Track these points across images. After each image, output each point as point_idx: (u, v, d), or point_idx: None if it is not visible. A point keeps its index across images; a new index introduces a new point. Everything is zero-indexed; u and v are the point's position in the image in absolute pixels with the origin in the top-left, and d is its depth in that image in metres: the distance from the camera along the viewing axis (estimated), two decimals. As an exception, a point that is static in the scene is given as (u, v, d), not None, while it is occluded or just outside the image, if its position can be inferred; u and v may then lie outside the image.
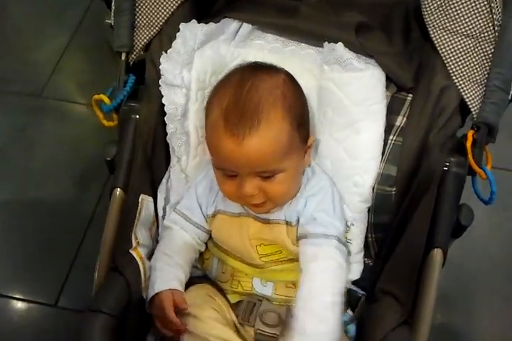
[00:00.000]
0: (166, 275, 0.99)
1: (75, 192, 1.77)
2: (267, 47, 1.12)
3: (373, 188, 1.05)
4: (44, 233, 1.66)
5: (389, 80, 1.06)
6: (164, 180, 1.10)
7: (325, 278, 0.94)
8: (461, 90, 1.00)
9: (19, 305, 1.54)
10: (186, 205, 1.07)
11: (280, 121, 0.93)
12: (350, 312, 1.05)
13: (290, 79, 1.00)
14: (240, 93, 0.93)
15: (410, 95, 1.06)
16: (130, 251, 0.99)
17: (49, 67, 2.04)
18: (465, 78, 1.00)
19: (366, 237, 1.06)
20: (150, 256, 1.05)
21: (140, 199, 1.03)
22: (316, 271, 0.94)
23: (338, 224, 0.98)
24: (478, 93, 1.00)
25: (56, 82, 2.02)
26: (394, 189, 1.04)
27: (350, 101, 1.04)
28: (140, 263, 0.99)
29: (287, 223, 1.00)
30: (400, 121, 1.06)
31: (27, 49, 2.11)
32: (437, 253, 0.94)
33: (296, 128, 0.96)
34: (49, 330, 1.47)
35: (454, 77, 1.01)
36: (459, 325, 1.49)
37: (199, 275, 1.09)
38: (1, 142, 1.86)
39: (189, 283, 1.03)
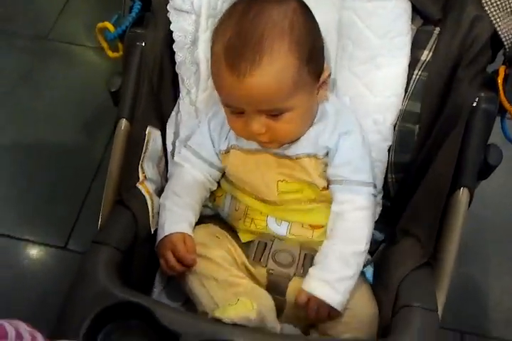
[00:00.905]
0: (176, 216, 0.96)
1: (83, 136, 1.72)
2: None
3: (395, 126, 1.01)
4: (52, 176, 1.62)
5: (415, 12, 1.00)
6: (174, 113, 1.04)
7: (361, 227, 0.93)
8: (494, 21, 0.93)
9: (29, 247, 1.51)
10: (198, 141, 1.02)
11: (286, 55, 0.85)
12: (368, 255, 1.01)
13: (302, 7, 0.91)
14: (242, 22, 0.86)
15: (438, 28, 1.00)
16: (137, 184, 0.95)
17: (56, 8, 1.96)
18: (499, 8, 0.93)
19: (385, 177, 1.02)
20: (159, 192, 1.01)
21: (147, 132, 0.98)
22: (353, 219, 0.93)
23: (371, 169, 0.96)
24: (512, 25, 0.93)
25: (63, 23, 1.94)
26: (417, 126, 0.99)
27: (373, 33, 0.98)
28: (148, 198, 0.95)
29: (313, 156, 0.95)
30: (425, 55, 1.00)
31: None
32: (463, 193, 0.89)
33: (306, 62, 0.88)
34: (59, 272, 1.44)
35: (486, 7, 0.94)
36: (474, 274, 1.46)
37: (209, 214, 1.05)
38: (7, 85, 1.80)
39: (198, 222, 1.00)
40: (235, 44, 0.85)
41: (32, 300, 1.39)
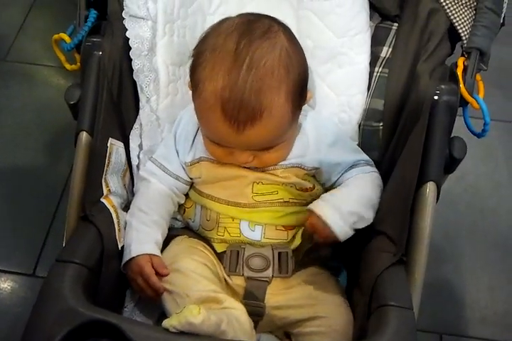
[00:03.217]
0: (143, 236, 0.93)
1: (46, 158, 1.69)
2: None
3: (360, 125, 1.00)
4: (16, 201, 1.58)
5: (372, 9, 1.00)
6: (137, 126, 1.02)
7: (369, 194, 0.94)
8: (450, 13, 0.94)
9: (-4, 276, 1.47)
10: (163, 154, 1.00)
11: (283, 105, 0.85)
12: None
13: (290, 41, 0.89)
14: (237, 74, 0.82)
15: (395, 24, 1.01)
16: (101, 199, 0.92)
17: (12, 28, 1.94)
18: (453, 0, 0.94)
19: (354, 175, 1.01)
20: (125, 206, 0.98)
21: (109, 144, 0.95)
22: (363, 181, 0.95)
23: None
24: (467, 16, 0.94)
25: (21, 44, 1.91)
26: (381, 124, 0.99)
27: (332, 31, 0.98)
28: (113, 212, 0.92)
29: (295, 167, 0.95)
30: (385, 52, 1.01)
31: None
32: (430, 187, 0.88)
33: (298, 102, 0.88)
34: (28, 300, 1.40)
35: (441, 0, 0.94)
36: (448, 274, 1.46)
37: (179, 227, 1.03)
38: (-35, 108, 1.77)
39: (168, 236, 0.97)
40: (231, 97, 0.82)
41: (2, 328, 1.35)
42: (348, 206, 0.90)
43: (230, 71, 0.83)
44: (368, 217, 0.92)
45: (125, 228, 0.94)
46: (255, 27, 0.87)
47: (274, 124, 0.85)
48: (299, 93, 0.88)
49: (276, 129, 0.86)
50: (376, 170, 0.99)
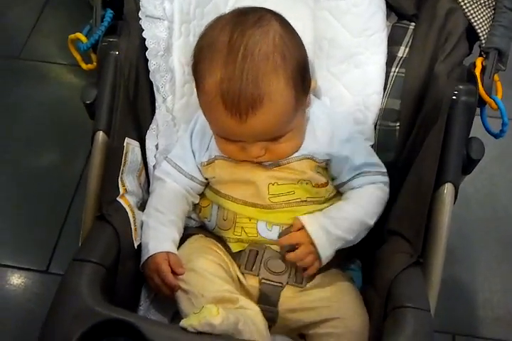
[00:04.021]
0: (160, 235, 0.94)
1: (60, 156, 1.70)
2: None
3: (376, 125, 0.99)
4: (31, 199, 1.59)
5: (389, 9, 1.00)
6: (154, 126, 1.02)
7: (374, 203, 0.95)
8: (468, 13, 0.93)
9: (10, 272, 1.48)
10: (179, 154, 1.00)
11: (283, 89, 0.84)
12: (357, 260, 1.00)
13: (284, 28, 0.88)
14: (233, 64, 0.83)
15: (413, 24, 1.00)
16: (117, 198, 0.92)
17: (26, 26, 1.94)
18: (472, 0, 0.93)
19: (370, 177, 1.00)
20: (140, 205, 0.98)
21: (125, 144, 0.95)
22: (369, 192, 0.95)
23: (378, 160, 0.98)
24: (486, 16, 0.93)
25: (34, 42, 1.91)
26: (398, 124, 0.98)
27: (348, 31, 0.98)
28: (129, 211, 0.92)
29: (309, 158, 0.94)
30: (402, 51, 1.00)
31: (3, 9, 2.01)
32: (448, 188, 0.87)
33: (300, 88, 0.87)
34: (42, 296, 1.42)
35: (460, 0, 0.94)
36: (461, 275, 1.45)
37: (194, 226, 1.02)
38: (-21, 107, 1.78)
39: (183, 235, 0.98)
40: (230, 87, 0.82)
41: (15, 324, 1.37)
42: (339, 231, 0.91)
43: (226, 63, 0.83)
44: (355, 240, 0.93)
45: (141, 227, 0.95)
46: (247, 17, 0.87)
47: (277, 110, 0.84)
48: (300, 79, 0.87)
49: (279, 116, 0.85)
50: (386, 178, 0.98)
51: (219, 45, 0.85)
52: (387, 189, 0.97)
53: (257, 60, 0.83)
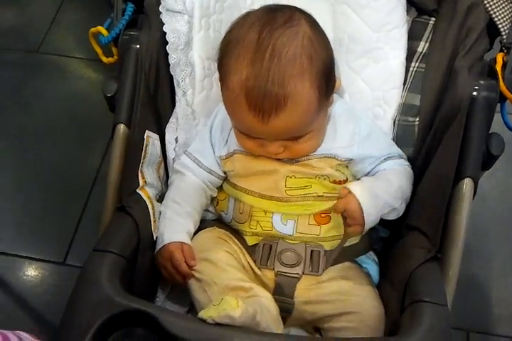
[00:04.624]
0: (175, 226, 0.94)
1: (78, 150, 1.70)
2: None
3: (395, 120, 0.99)
4: (48, 192, 1.61)
5: (409, 4, 0.99)
6: (173, 120, 1.03)
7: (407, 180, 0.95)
8: (490, 8, 0.93)
9: (27, 263, 1.50)
10: (198, 148, 1.01)
11: (309, 93, 0.84)
12: (371, 253, 1.00)
13: (313, 29, 0.88)
14: (260, 63, 0.82)
15: (433, 19, 1.00)
16: (137, 190, 0.93)
17: (46, 21, 1.95)
18: (493, -5, 0.93)
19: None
20: (159, 198, 0.99)
21: (145, 136, 0.96)
22: (393, 173, 0.95)
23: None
24: (508, 11, 0.92)
25: (53, 36, 1.93)
26: (417, 119, 0.98)
27: (368, 26, 0.98)
28: (148, 203, 0.93)
29: (329, 157, 0.94)
30: (422, 46, 1.00)
31: (23, 2, 2.02)
32: (468, 184, 0.87)
33: (325, 90, 0.87)
34: (58, 288, 1.44)
35: (481, -6, 0.93)
36: (477, 272, 1.45)
37: (211, 219, 1.03)
38: (-1, 99, 1.80)
39: (200, 228, 0.98)
40: (255, 86, 0.82)
41: (32, 316, 1.38)
42: (384, 195, 0.91)
43: (253, 61, 0.83)
44: (400, 208, 0.93)
45: (160, 219, 0.95)
46: (277, 16, 0.87)
47: (300, 112, 0.84)
48: (325, 81, 0.87)
49: (302, 117, 0.85)
50: (409, 164, 0.99)
51: (247, 43, 0.85)
52: (412, 171, 0.97)
53: (284, 62, 0.83)
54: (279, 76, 0.82)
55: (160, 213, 0.96)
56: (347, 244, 0.95)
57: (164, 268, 0.92)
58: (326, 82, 0.88)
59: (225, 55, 0.88)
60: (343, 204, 0.89)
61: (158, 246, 0.93)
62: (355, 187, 0.90)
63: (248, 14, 0.91)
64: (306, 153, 0.93)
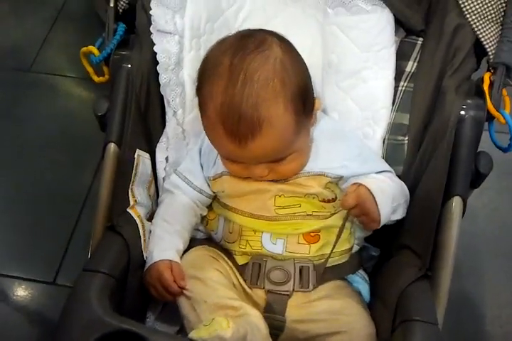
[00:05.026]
0: (165, 244, 0.94)
1: (69, 168, 1.70)
2: (266, -7, 1.05)
3: (384, 139, 1.00)
4: (39, 211, 1.60)
5: (397, 24, 1.01)
6: (164, 139, 1.03)
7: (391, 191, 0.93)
8: (476, 29, 0.94)
9: (17, 283, 1.48)
10: (188, 168, 1.02)
11: (283, 115, 0.85)
12: (362, 272, 1.00)
13: (285, 52, 0.88)
14: (233, 90, 0.83)
15: (421, 39, 1.01)
16: (128, 209, 0.93)
17: (37, 39, 1.97)
18: (479, 16, 0.94)
19: (378, 191, 1.00)
20: (150, 217, 0.99)
21: (136, 155, 0.97)
22: (385, 180, 0.94)
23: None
24: (494, 32, 0.94)
25: (45, 55, 1.94)
26: (406, 138, 0.99)
27: (357, 46, 0.99)
28: (138, 222, 0.93)
29: (318, 175, 0.94)
30: (410, 66, 1.01)
31: (15, 22, 2.04)
32: (457, 202, 0.88)
33: (302, 111, 0.87)
34: (48, 308, 1.43)
35: (467, 15, 0.94)
36: (470, 290, 1.45)
37: (201, 238, 1.03)
38: (-11, 118, 1.80)
39: (190, 247, 0.98)
40: (230, 112, 0.83)
41: (22, 336, 1.37)
42: (389, 189, 0.91)
43: (227, 87, 0.84)
44: (405, 206, 0.93)
45: (149, 237, 0.95)
46: (249, 42, 0.87)
47: (277, 135, 0.85)
48: (302, 102, 0.87)
49: (280, 140, 0.86)
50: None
51: (221, 70, 0.86)
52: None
53: (257, 86, 0.83)
54: (252, 100, 0.83)
55: (150, 232, 0.96)
56: (337, 262, 0.95)
57: (153, 287, 0.91)
58: (303, 104, 0.88)
59: (201, 83, 0.89)
60: (353, 198, 0.86)
61: (148, 264, 0.92)
62: (363, 181, 0.89)
63: (222, 41, 0.91)
64: (292, 173, 0.94)
